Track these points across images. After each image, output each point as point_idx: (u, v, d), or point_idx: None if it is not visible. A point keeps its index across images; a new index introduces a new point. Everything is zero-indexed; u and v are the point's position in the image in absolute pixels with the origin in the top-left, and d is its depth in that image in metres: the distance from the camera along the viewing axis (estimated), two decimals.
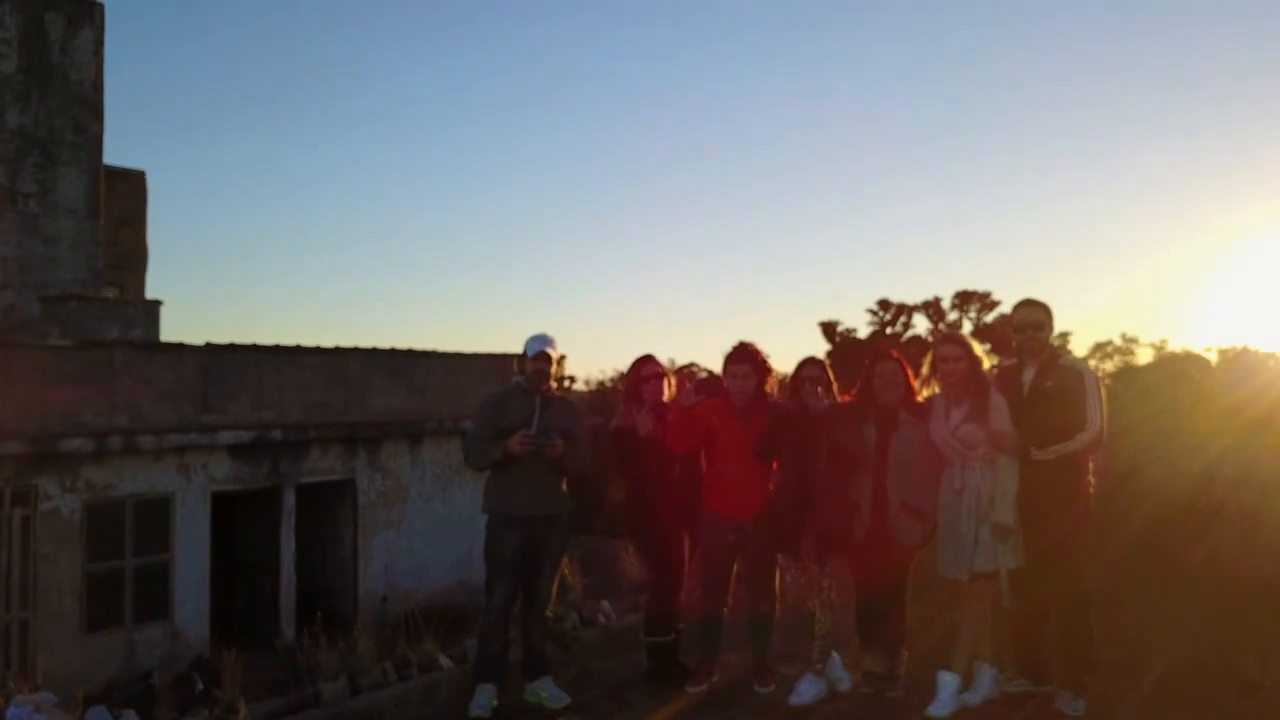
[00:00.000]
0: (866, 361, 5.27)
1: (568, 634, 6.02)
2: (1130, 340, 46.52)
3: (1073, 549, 4.89)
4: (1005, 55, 70.23)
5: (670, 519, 5.44)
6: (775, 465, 5.32)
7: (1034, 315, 5.10)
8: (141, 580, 12.29)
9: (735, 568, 5.40)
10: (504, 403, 5.25)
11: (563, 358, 5.41)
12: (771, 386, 5.44)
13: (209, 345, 13.12)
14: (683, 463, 5.45)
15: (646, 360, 5.61)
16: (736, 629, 5.49)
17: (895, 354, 5.27)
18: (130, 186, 23.67)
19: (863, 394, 5.23)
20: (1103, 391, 4.93)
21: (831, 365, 5.46)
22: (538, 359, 5.23)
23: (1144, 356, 43.62)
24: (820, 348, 38.54)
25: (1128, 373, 40.17)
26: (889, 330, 42.06)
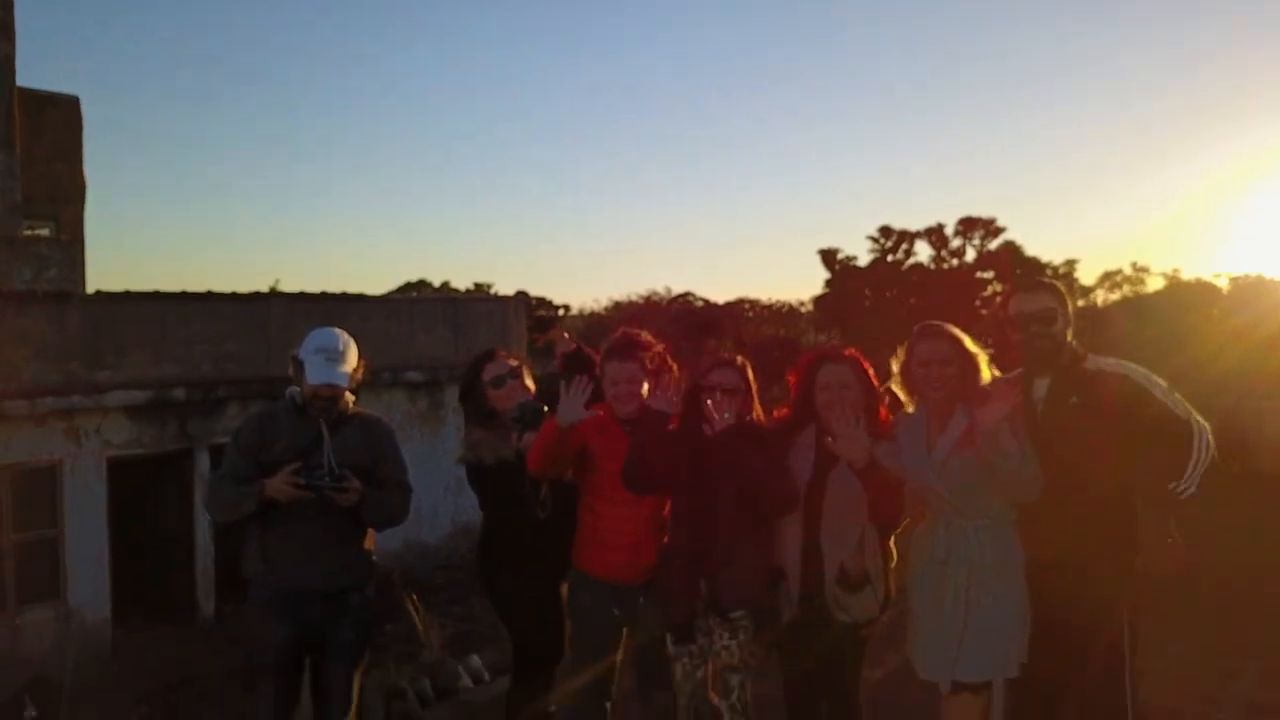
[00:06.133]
0: (803, 362, 3.66)
1: (408, 717, 4.51)
2: (1141, 269, 44.89)
3: (1114, 651, 3.35)
4: None
5: (543, 574, 3.91)
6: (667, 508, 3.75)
7: (1040, 303, 3.45)
8: (25, 558, 10.88)
9: (620, 652, 3.88)
10: (271, 425, 3.65)
11: (362, 366, 3.75)
12: (676, 388, 3.85)
13: (99, 294, 11.54)
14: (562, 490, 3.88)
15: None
16: None
17: (849, 352, 3.65)
18: (63, 113, 21.77)
19: (799, 408, 3.64)
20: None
21: (829, 301, 3.76)
22: (319, 386, 3.57)
23: (1155, 286, 42.07)
24: (820, 276, 36.88)
25: (1136, 302, 38.70)
26: (890, 258, 40.36)
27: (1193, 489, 3.26)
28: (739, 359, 3.72)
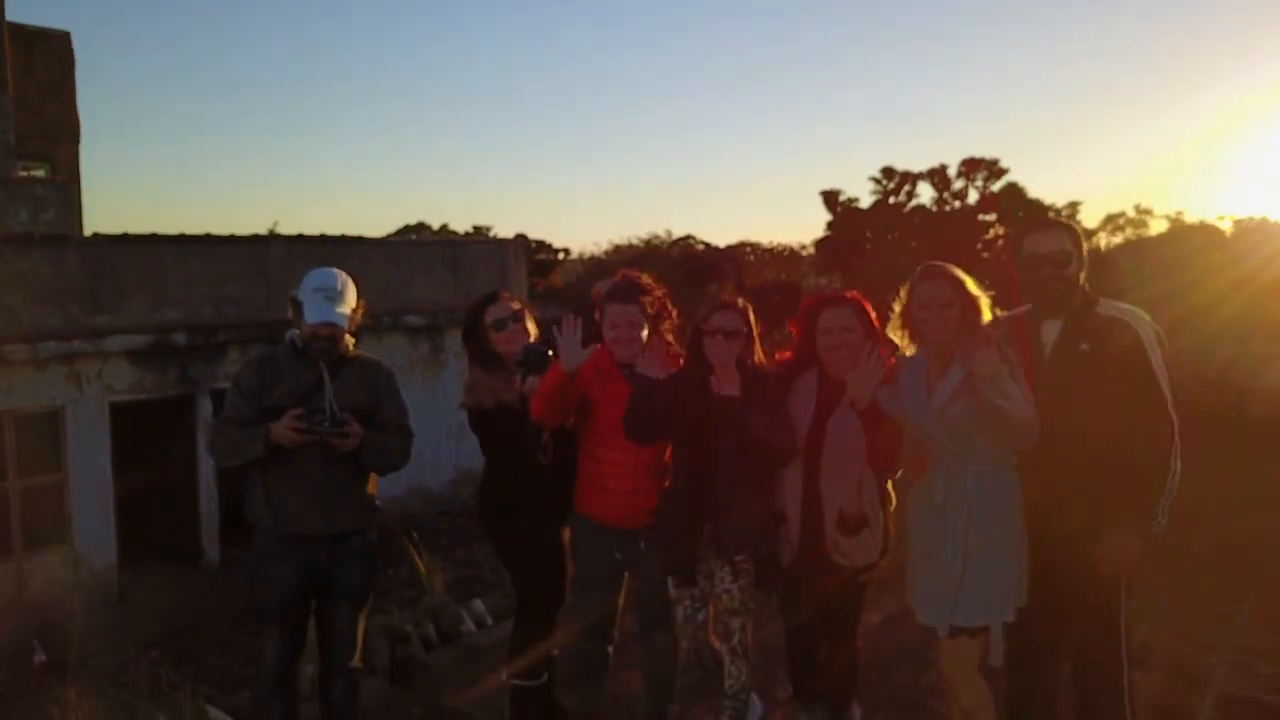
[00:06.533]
0: (805, 306, 3.63)
1: (412, 660, 4.55)
2: (1144, 212, 44.59)
3: (1111, 594, 3.35)
4: None
5: (544, 519, 3.92)
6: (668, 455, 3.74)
7: (1054, 244, 3.36)
8: (30, 504, 10.96)
9: (622, 595, 3.90)
10: (271, 368, 3.62)
11: (361, 307, 3.72)
12: (671, 334, 3.84)
13: (97, 236, 11.44)
14: (562, 438, 3.87)
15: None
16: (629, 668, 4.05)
17: (851, 295, 3.61)
18: (54, 49, 21.43)
19: (801, 352, 3.62)
20: (1165, 352, 3.31)
21: (830, 244, 3.71)
22: (318, 325, 3.54)
23: (1158, 229, 41.83)
24: (821, 219, 36.61)
25: (1139, 245, 38.47)
26: (892, 200, 39.98)
27: (1164, 521, 3.26)
28: (740, 302, 3.69)
